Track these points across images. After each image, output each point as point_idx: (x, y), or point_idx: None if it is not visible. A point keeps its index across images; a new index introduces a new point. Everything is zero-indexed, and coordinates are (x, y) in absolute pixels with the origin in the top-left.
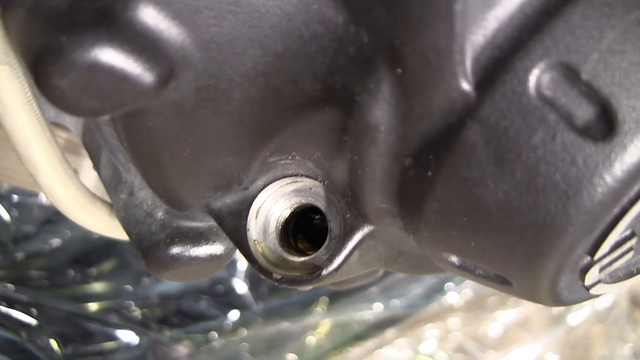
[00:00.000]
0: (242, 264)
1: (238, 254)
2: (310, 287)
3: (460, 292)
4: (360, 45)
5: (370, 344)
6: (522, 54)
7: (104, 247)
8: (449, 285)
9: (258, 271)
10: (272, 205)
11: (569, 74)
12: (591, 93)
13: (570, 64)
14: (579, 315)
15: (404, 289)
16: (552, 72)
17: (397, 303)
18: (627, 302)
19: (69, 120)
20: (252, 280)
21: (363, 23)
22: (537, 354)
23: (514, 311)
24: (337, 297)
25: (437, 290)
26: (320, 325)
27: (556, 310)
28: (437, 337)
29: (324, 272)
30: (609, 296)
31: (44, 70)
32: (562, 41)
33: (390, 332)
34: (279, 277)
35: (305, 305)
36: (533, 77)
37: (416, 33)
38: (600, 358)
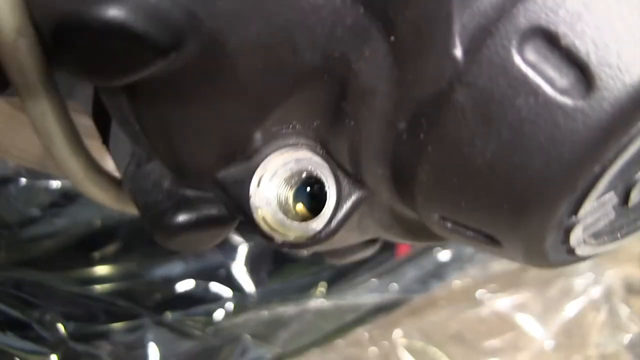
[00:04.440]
0: (242, 248)
1: (238, 240)
2: (310, 250)
3: (456, 278)
4: (357, 16)
5: (369, 328)
6: (506, 20)
7: (109, 231)
8: (446, 271)
9: (261, 236)
10: (274, 174)
11: (550, 38)
12: (570, 57)
13: (550, 29)
14: (575, 302)
15: (402, 274)
16: (533, 37)
17: (395, 288)
18: (623, 290)
19: (79, 97)
20: (252, 264)
21: None
22: (533, 342)
23: (510, 298)
24: (336, 281)
25: (435, 276)
26: (319, 309)
27: (553, 297)
28: (434, 323)
29: (322, 234)
30: (604, 284)
31: (63, 38)
32: (543, 7)
33: (388, 317)
34: (280, 241)
35: (305, 289)
36: (516, 42)
37: (408, 2)
38: (597, 345)
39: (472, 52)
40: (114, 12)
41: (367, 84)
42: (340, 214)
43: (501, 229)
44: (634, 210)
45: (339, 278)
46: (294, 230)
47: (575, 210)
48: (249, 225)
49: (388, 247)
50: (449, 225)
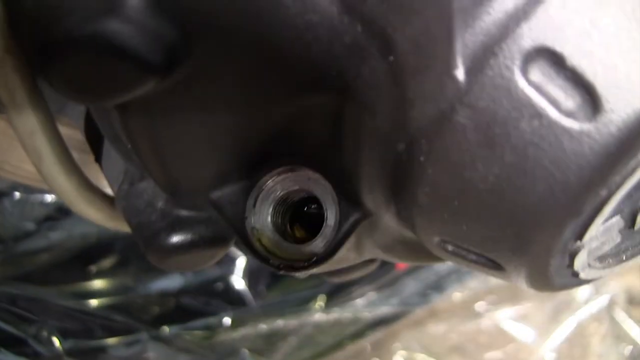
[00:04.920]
0: (240, 261)
1: (236, 252)
2: (307, 273)
3: (456, 290)
4: (355, 34)
5: (368, 340)
6: (510, 40)
7: (104, 245)
8: (446, 283)
9: (256, 258)
10: (270, 194)
11: (555, 59)
12: (576, 78)
13: (555, 49)
14: (576, 314)
15: (402, 286)
16: (538, 57)
17: (394, 300)
18: (625, 301)
19: (71, 113)
20: (250, 277)
21: (357, 12)
22: (534, 353)
23: (510, 310)
24: (335, 294)
25: (435, 288)
26: (318, 323)
27: (554, 308)
28: (434, 335)
29: (320, 256)
30: (606, 295)
31: (50, 57)
32: (549, 26)
33: (388, 330)
34: (276, 263)
35: (303, 303)
36: (520, 63)
37: (407, 20)
38: (598, 356)
39: (474, 72)
40: (101, 31)
41: (365, 103)
42: (338, 236)
43: (504, 254)
44: (639, 233)
45: (338, 291)
46: (291, 252)
47: (580, 234)
48: (244, 246)
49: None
50: (449, 248)
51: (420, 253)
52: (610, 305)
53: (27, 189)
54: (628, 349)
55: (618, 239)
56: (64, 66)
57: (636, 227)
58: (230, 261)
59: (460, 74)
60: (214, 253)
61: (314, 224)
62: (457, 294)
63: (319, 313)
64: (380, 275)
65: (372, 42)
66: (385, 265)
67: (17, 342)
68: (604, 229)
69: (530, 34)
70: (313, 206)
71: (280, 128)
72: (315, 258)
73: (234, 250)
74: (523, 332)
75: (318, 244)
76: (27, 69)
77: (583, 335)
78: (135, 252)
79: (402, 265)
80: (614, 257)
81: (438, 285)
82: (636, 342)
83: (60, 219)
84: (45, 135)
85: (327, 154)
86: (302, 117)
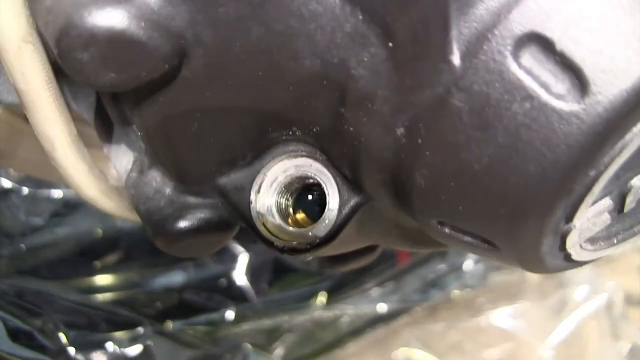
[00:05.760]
0: (243, 258)
1: (239, 249)
2: (309, 256)
3: (456, 288)
4: (356, 22)
5: (368, 337)
6: (502, 26)
7: (110, 240)
8: (446, 281)
9: (261, 241)
10: (274, 180)
11: (545, 44)
12: (565, 62)
13: (545, 35)
14: (574, 313)
15: (402, 283)
16: (529, 42)
17: (394, 298)
18: (623, 301)
19: (81, 104)
20: (252, 274)
21: (358, 2)
22: (533, 352)
23: (509, 308)
24: (336, 291)
25: (435, 286)
26: (319, 319)
27: (553, 307)
28: (434, 332)
29: (322, 239)
30: (604, 295)
31: (67, 45)
32: (539, 12)
33: (388, 327)
34: (280, 246)
35: (305, 299)
36: (511, 48)
37: (405, 8)
38: (596, 355)
39: (468, 57)
40: (116, 20)
41: (366, 89)
42: (339, 219)
43: (498, 233)
44: (629, 216)
45: (339, 288)
46: (294, 236)
47: (571, 215)
48: (249, 231)
49: (388, 257)
50: (446, 230)
51: (419, 238)
52: (609, 304)
53: (35, 185)
54: (626, 348)
55: (608, 221)
56: (75, 55)
57: (625, 210)
58: (233, 258)
59: (455, 59)
60: (220, 238)
61: (317, 209)
62: (456, 292)
63: (320, 309)
64: (381, 272)
65: (372, 30)
66: (385, 262)
67: (23, 335)
68: (594, 210)
69: (521, 21)
70: (315, 191)
71: (285, 114)
72: (317, 241)
73: (236, 247)
74: (522, 331)
75: (320, 228)
76: (44, 57)
77: (581, 334)
78: (139, 249)
79: (402, 261)
80: (606, 240)
81: (438, 283)
82: (634, 341)
83: (67, 214)
84: (59, 123)
85: (329, 140)
86: (305, 104)
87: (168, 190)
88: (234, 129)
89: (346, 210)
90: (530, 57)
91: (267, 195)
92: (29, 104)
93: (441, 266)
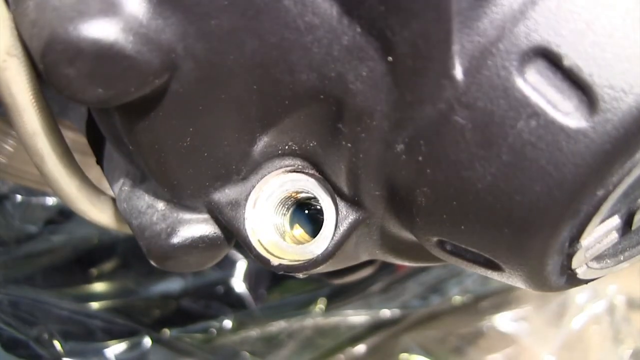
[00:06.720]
0: (241, 264)
1: (237, 256)
2: (306, 274)
3: (457, 293)
4: (354, 36)
5: (369, 343)
6: (507, 40)
7: (106, 247)
8: (446, 286)
9: (256, 259)
10: (270, 195)
11: (551, 59)
12: (573, 78)
13: (552, 49)
14: (576, 317)
15: (402, 290)
16: (535, 57)
17: (394, 304)
18: (625, 305)
19: (73, 115)
20: (251, 280)
21: (356, 14)
22: (534, 357)
23: (510, 313)
24: (335, 297)
25: (435, 291)
26: (318, 326)
27: (554, 312)
28: (434, 338)
29: (319, 257)
30: (606, 299)
31: (52, 59)
32: (545, 26)
33: (388, 333)
34: (276, 264)
35: (304, 306)
36: (517, 63)
37: (406, 22)
38: (597, 359)
39: (471, 72)
40: (103, 34)
41: (364, 104)
42: (337, 236)
43: (501, 254)
44: (637, 233)
45: (338, 294)
46: (291, 253)
47: (577, 234)
48: (244, 247)
49: (388, 263)
50: (448, 248)
51: (419, 254)
52: (610, 308)
53: (29, 192)
54: (628, 352)
55: (615, 239)
56: (61, 69)
57: (633, 227)
58: (231, 264)
59: (458, 74)
60: (215, 254)
61: (314, 225)
62: (457, 297)
63: (319, 316)
64: (381, 278)
65: (371, 43)
66: (386, 268)
67: (18, 345)
68: (601, 229)
69: (527, 34)
70: (312, 207)
71: (280, 128)
72: (314, 259)
73: (234, 253)
74: (523, 336)
75: (318, 245)
76: (30, 71)
77: (583, 338)
78: (136, 256)
79: (402, 268)
80: (612, 257)
81: (438, 288)
82: (636, 345)
83: (62, 222)
84: (48, 137)
85: (327, 155)
86: (302, 118)
87: (161, 204)
88: (228, 143)
89: (344, 226)
90: (537, 73)
91: (262, 211)
92: (16, 119)
93: (442, 272)
